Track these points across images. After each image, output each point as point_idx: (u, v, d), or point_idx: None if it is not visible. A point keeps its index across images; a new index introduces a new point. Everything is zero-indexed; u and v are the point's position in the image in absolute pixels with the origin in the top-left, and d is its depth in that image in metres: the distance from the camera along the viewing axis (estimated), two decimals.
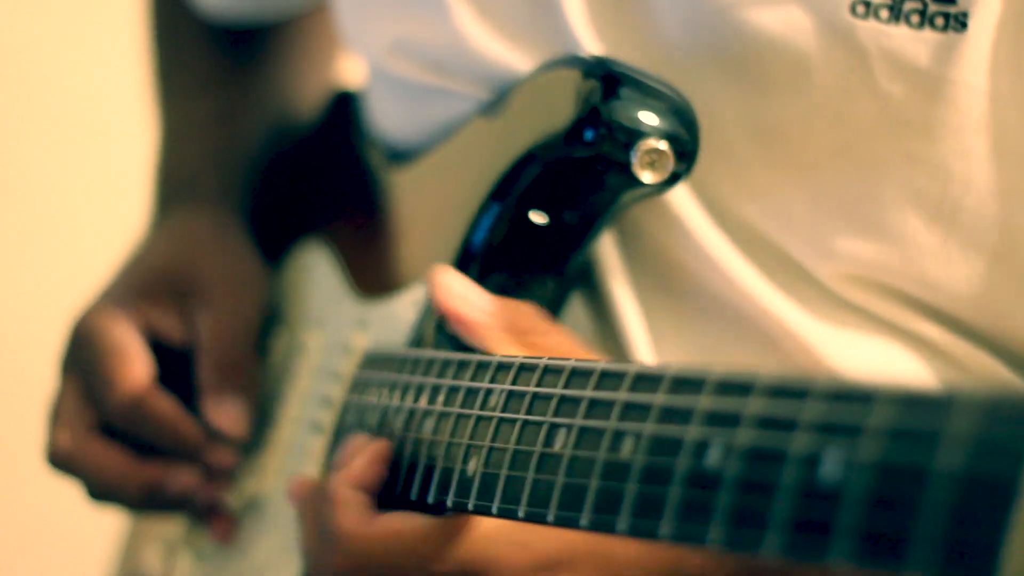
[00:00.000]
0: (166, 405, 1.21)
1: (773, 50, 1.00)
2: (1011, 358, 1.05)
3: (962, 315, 1.04)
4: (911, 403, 0.65)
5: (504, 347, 1.00)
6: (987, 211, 1.00)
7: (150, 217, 1.36)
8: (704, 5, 1.01)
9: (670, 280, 1.09)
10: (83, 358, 1.23)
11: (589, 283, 1.11)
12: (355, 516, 0.97)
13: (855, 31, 0.98)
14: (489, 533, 0.95)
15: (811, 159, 1.02)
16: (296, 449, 1.21)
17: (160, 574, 1.34)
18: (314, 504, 1.01)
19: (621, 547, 0.97)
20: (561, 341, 1.01)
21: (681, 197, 1.06)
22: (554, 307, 1.08)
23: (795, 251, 1.05)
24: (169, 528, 1.34)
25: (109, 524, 1.46)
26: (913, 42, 0.97)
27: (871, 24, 0.97)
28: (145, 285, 1.26)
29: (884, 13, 0.97)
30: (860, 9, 0.98)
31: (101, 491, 1.24)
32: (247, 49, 1.42)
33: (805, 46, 0.99)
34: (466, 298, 1.02)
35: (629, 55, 1.04)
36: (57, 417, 1.24)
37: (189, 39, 1.42)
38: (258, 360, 1.26)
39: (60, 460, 1.24)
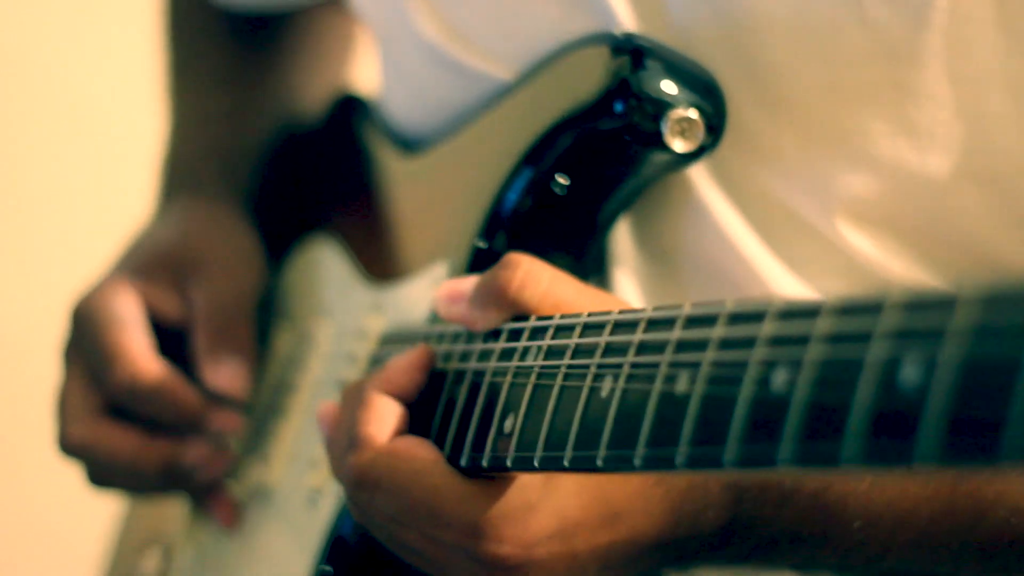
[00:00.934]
0: (164, 375, 1.20)
1: None
2: None
3: (958, 249, 1.04)
4: (995, 301, 0.65)
5: (498, 318, 0.97)
6: (976, 137, 1.01)
7: (154, 206, 1.36)
8: None
9: (671, 251, 1.09)
10: (84, 340, 1.22)
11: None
12: (384, 427, 0.94)
13: None
14: (498, 496, 0.92)
15: (801, 96, 1.03)
16: (308, 437, 1.19)
17: (157, 574, 1.31)
18: (348, 404, 0.98)
19: (627, 505, 0.95)
20: (556, 282, 0.96)
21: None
22: None
23: (796, 204, 1.04)
24: (167, 527, 1.32)
25: (101, 524, 1.43)
26: None
27: None
28: (143, 266, 1.26)
29: None
30: None
31: (115, 474, 1.22)
32: (261, 42, 1.43)
33: None
34: (445, 301, 0.99)
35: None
36: (65, 405, 1.23)
37: (204, 30, 1.43)
38: (255, 326, 1.25)
39: (72, 447, 1.22)
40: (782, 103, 1.03)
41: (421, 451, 0.94)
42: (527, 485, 0.93)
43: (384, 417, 0.95)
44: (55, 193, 2.45)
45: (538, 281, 0.95)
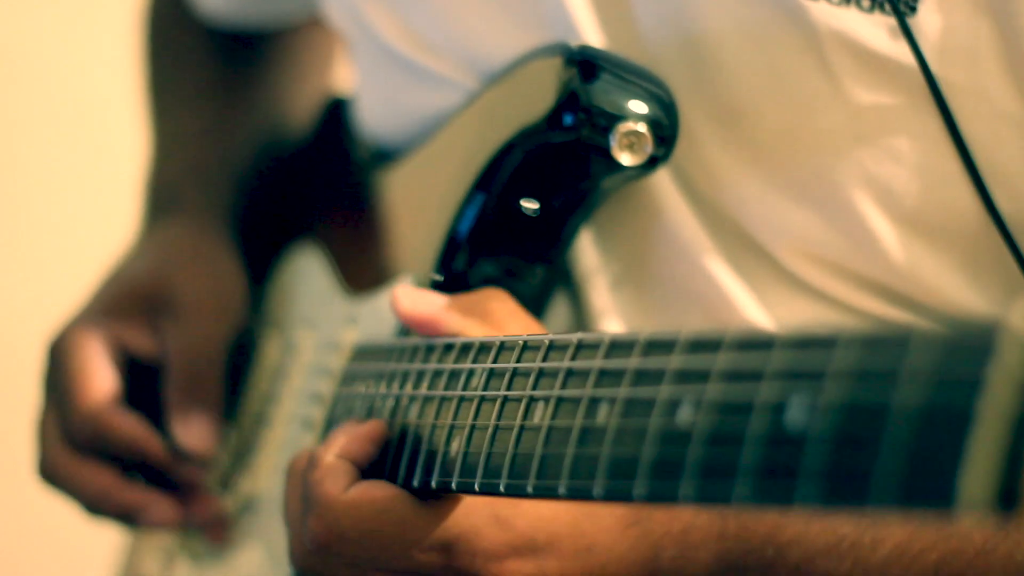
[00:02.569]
0: (127, 423, 1.22)
1: (730, 28, 1.01)
2: None
3: (903, 290, 1.04)
4: (871, 344, 0.65)
5: (472, 331, 1.00)
6: (931, 195, 1.01)
7: (138, 228, 1.37)
8: None
9: (640, 261, 1.09)
10: (55, 377, 1.25)
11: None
12: (338, 483, 0.96)
13: (807, 11, 0.99)
14: (469, 510, 0.95)
15: (763, 138, 1.03)
16: (288, 447, 1.22)
17: None
18: (302, 471, 1.00)
19: (602, 539, 0.97)
20: (523, 323, 1.01)
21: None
22: (543, 296, 1.09)
23: (751, 228, 1.05)
24: (167, 536, 1.35)
25: (111, 533, 1.46)
26: (863, 24, 0.98)
27: (822, 5, 0.99)
28: (117, 302, 1.27)
29: None
30: None
31: (88, 507, 1.25)
32: (243, 58, 1.44)
33: (759, 25, 1.00)
34: (419, 300, 1.02)
35: (608, 36, 1.05)
36: (43, 435, 1.26)
37: (185, 47, 1.44)
38: (224, 377, 1.26)
39: (48, 477, 1.25)
40: (745, 141, 1.04)
41: (379, 491, 0.95)
42: (494, 503, 0.95)
43: (337, 473, 0.96)
44: (46, 206, 2.48)
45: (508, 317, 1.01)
